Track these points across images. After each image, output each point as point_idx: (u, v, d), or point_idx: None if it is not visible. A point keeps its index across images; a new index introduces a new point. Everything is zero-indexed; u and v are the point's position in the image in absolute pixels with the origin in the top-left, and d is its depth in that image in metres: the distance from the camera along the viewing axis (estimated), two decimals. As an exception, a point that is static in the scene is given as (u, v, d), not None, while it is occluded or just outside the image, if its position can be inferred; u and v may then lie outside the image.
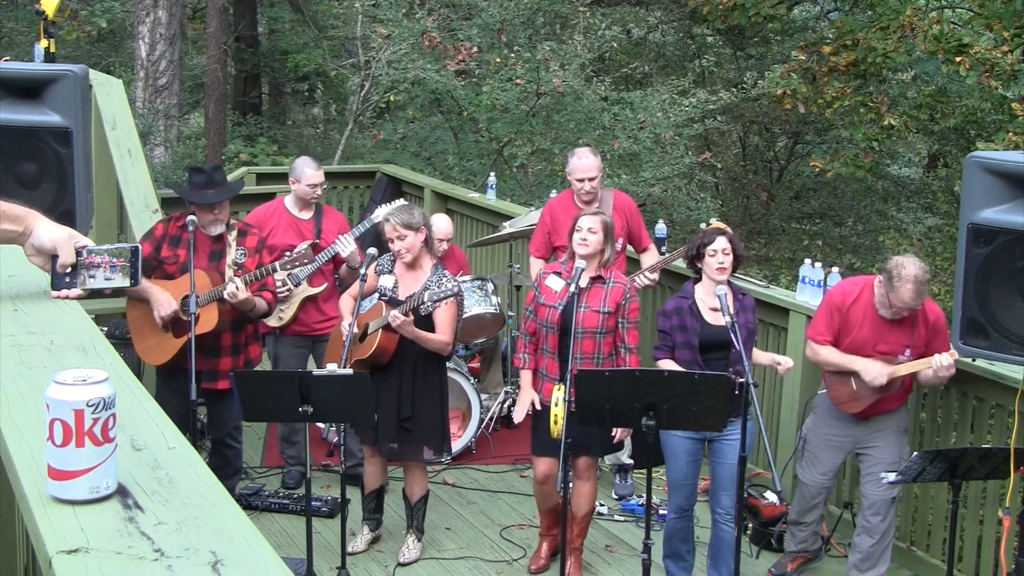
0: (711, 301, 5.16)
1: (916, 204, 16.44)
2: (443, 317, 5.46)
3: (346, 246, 6.30)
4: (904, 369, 5.13)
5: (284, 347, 6.44)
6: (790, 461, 6.25)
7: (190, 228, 5.52)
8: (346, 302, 5.74)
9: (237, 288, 5.42)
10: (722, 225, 6.17)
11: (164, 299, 5.54)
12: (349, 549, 5.70)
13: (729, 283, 5.27)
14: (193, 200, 5.65)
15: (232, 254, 5.64)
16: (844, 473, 5.77)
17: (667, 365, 5.18)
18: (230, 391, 5.42)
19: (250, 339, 5.84)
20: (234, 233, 5.69)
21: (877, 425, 5.33)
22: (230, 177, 10.65)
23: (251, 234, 5.81)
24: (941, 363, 5.00)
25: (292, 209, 6.51)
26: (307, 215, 6.51)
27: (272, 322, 6.38)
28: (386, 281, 5.57)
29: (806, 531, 5.61)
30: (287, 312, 6.38)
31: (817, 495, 5.52)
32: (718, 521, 5.24)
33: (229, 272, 5.54)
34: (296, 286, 6.37)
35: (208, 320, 5.52)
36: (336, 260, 6.40)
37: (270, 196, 9.35)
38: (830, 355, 5.29)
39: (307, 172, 6.46)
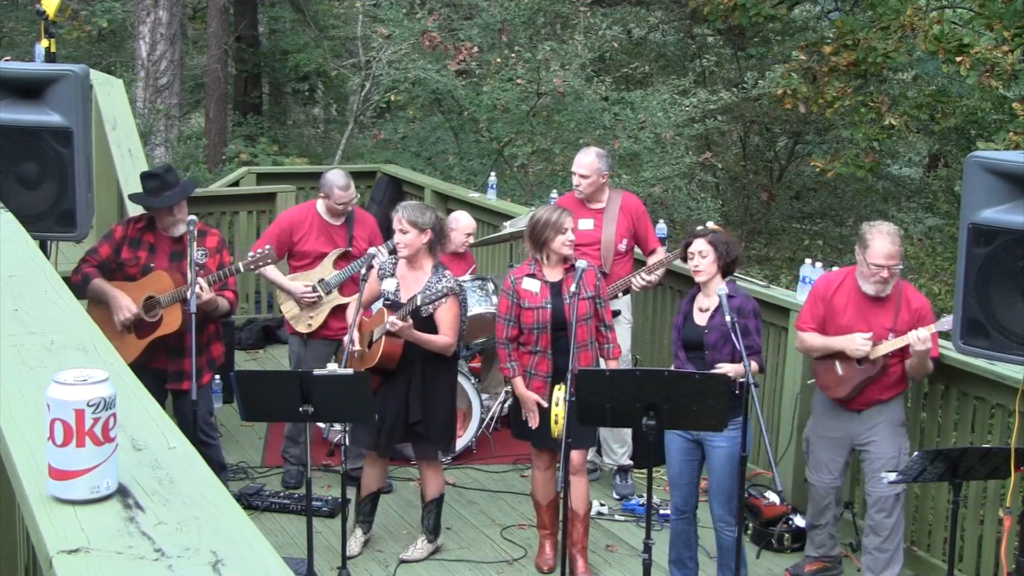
0: (701, 302, 5.23)
1: (916, 204, 16.44)
2: (444, 317, 5.45)
3: (380, 257, 6.24)
4: (885, 347, 5.17)
5: (309, 350, 6.42)
6: (778, 460, 6.25)
7: (191, 228, 5.52)
8: (353, 309, 5.74)
9: (202, 288, 5.44)
10: (713, 226, 6.17)
11: (123, 304, 5.55)
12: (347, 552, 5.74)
13: (734, 283, 5.28)
14: (151, 205, 5.67)
15: (194, 254, 5.62)
16: (849, 473, 5.77)
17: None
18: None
19: (212, 339, 5.85)
20: (194, 233, 5.66)
21: (872, 419, 5.33)
22: (230, 177, 10.69)
23: (211, 234, 5.83)
24: (919, 335, 5.05)
25: (325, 215, 6.48)
26: (339, 221, 6.48)
27: (301, 328, 6.38)
28: (388, 285, 5.56)
29: (823, 533, 5.57)
30: (316, 319, 6.37)
31: (826, 496, 5.50)
32: (716, 527, 5.25)
33: (192, 273, 5.51)
34: (327, 294, 6.36)
35: (173, 321, 5.55)
36: (370, 268, 6.36)
37: (270, 196, 9.42)
38: (813, 340, 5.38)
39: (336, 192, 6.38)
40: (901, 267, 5.21)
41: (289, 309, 6.43)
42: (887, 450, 5.27)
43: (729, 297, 5.04)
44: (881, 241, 5.12)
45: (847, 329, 5.26)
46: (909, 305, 5.23)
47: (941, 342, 5.64)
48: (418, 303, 5.29)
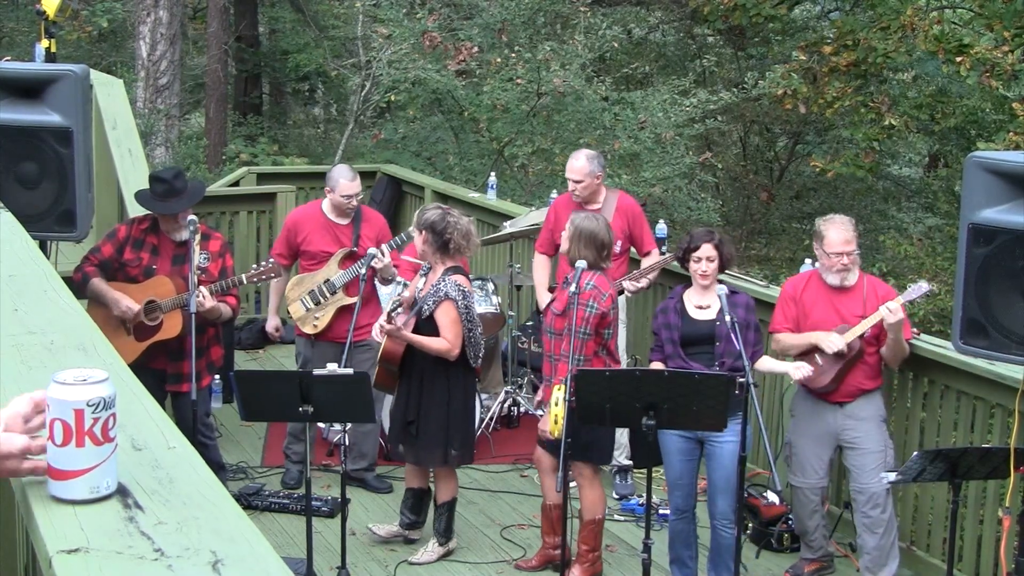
0: (697, 300, 5.28)
1: (916, 204, 16.43)
2: (442, 321, 5.39)
3: (380, 259, 6.11)
4: (858, 329, 5.25)
5: (316, 353, 6.33)
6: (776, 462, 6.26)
7: (190, 228, 5.51)
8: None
9: (204, 297, 5.44)
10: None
11: (124, 304, 5.61)
12: (377, 531, 5.86)
13: (722, 282, 5.36)
14: (156, 211, 5.69)
15: (196, 258, 5.62)
16: (843, 472, 5.77)
17: (656, 367, 5.24)
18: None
19: (212, 342, 5.87)
20: (198, 237, 5.65)
21: (855, 413, 5.37)
22: (230, 177, 10.69)
23: (214, 238, 5.84)
24: (889, 307, 5.13)
25: (330, 214, 6.41)
26: (345, 220, 6.39)
27: (307, 329, 6.33)
28: (419, 282, 5.58)
29: (816, 536, 5.59)
30: (322, 320, 6.31)
31: (812, 499, 5.51)
32: (715, 526, 5.23)
33: (193, 277, 5.51)
34: (332, 294, 6.29)
35: (173, 326, 5.58)
36: (371, 269, 6.30)
37: (270, 196, 9.42)
38: (789, 339, 5.46)
39: (342, 183, 6.30)
40: (859, 252, 5.37)
41: (296, 311, 6.38)
42: (874, 445, 5.31)
43: (733, 293, 5.18)
44: (835, 230, 5.28)
45: (820, 324, 5.36)
46: (876, 293, 5.35)
47: (939, 341, 5.66)
48: (394, 307, 5.31)
